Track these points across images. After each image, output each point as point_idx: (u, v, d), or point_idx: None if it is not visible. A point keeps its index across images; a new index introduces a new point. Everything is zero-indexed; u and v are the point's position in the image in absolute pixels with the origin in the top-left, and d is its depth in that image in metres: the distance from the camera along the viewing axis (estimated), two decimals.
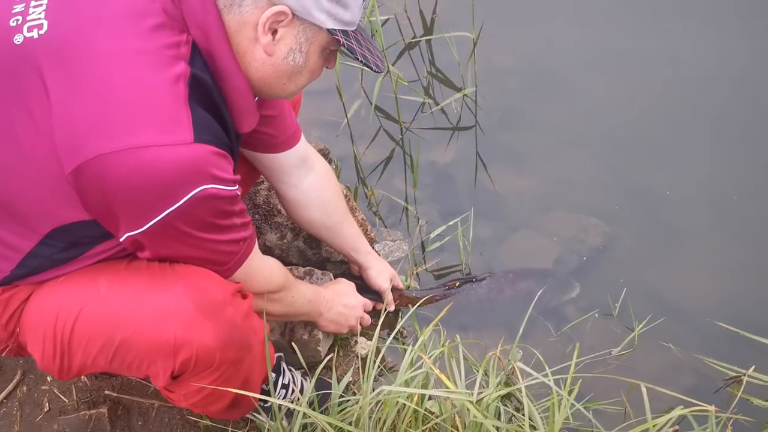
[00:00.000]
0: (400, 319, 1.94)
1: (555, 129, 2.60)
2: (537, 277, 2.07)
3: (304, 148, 1.67)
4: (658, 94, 2.63)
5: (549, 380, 1.32)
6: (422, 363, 1.28)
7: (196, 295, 1.18)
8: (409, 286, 2.08)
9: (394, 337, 1.91)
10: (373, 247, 2.11)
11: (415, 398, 1.24)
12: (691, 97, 2.64)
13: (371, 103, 2.55)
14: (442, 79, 2.74)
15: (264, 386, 1.63)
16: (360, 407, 1.26)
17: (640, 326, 1.96)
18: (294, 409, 1.45)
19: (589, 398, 1.78)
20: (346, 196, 1.99)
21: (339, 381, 1.58)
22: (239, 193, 1.21)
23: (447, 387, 1.25)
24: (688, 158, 2.45)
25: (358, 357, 1.87)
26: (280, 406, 1.59)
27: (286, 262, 1.93)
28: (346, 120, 2.55)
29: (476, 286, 2.05)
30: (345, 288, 1.80)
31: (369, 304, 1.84)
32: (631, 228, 2.30)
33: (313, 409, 1.38)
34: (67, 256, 1.22)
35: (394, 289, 1.98)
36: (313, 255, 1.98)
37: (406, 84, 2.56)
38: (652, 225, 2.32)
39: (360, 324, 1.85)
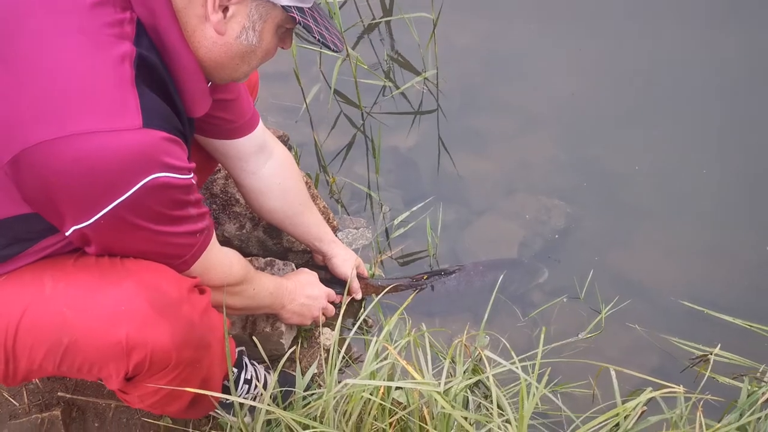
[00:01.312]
0: (363, 309, 1.90)
1: (517, 110, 2.57)
2: (506, 267, 2.04)
3: (262, 134, 1.61)
4: (621, 74, 2.62)
5: (516, 367, 1.29)
6: (388, 353, 1.23)
7: (150, 292, 1.11)
8: (374, 275, 2.03)
9: (358, 327, 1.88)
10: (336, 236, 2.06)
11: (381, 390, 1.20)
12: (656, 75, 2.63)
13: (330, 88, 2.48)
14: (402, 62, 2.69)
15: (225, 382, 1.58)
16: (324, 401, 1.21)
17: (607, 309, 1.95)
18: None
19: (558, 382, 1.76)
20: (306, 183, 1.93)
21: (303, 374, 1.53)
22: (194, 182, 1.14)
23: (414, 378, 1.21)
24: (652, 137, 2.45)
25: (322, 348, 1.81)
26: (242, 403, 1.53)
27: (245, 254, 1.86)
28: (305, 105, 2.48)
29: (446, 278, 2.01)
30: (307, 278, 1.74)
31: (333, 294, 1.79)
32: (594, 209, 2.29)
33: (277, 405, 1.33)
34: (8, 253, 1.14)
35: (360, 278, 1.93)
36: (274, 245, 1.91)
37: (366, 68, 2.51)
38: (615, 205, 2.31)
39: (324, 314, 1.80)
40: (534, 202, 2.31)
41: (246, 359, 1.65)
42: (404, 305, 1.37)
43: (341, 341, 1.76)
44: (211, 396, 1.27)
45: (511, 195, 2.35)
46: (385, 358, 1.23)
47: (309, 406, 1.29)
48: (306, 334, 1.88)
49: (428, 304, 2.01)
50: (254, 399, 1.62)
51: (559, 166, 2.42)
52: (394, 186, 2.37)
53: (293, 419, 1.19)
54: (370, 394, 1.19)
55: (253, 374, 1.64)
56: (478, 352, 1.48)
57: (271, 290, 1.58)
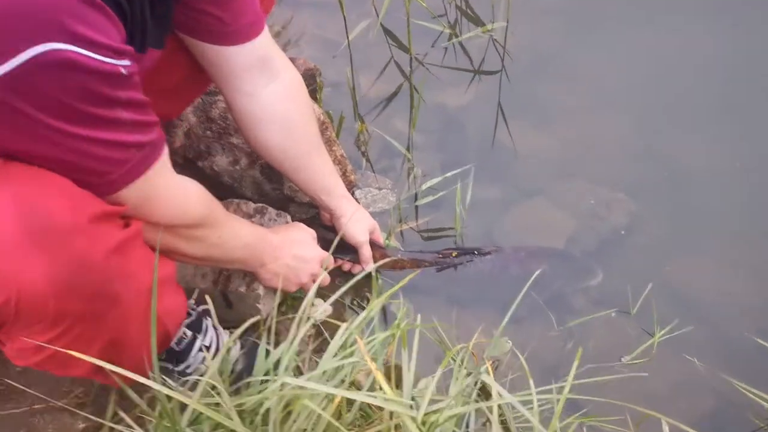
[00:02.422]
0: (376, 281, 1.58)
1: (591, 85, 2.18)
2: (553, 259, 1.69)
3: (266, 47, 1.29)
4: (718, 64, 2.20)
5: (532, 396, 0.95)
6: (355, 349, 0.92)
7: (26, 209, 0.82)
8: (388, 246, 1.71)
9: (356, 306, 1.57)
10: (352, 193, 1.74)
11: (336, 401, 0.88)
12: (745, 70, 2.20)
13: (378, 20, 2.14)
14: (467, 10, 2.32)
15: (175, 345, 1.30)
16: (258, 401, 0.91)
17: (662, 332, 1.59)
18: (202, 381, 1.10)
19: (586, 413, 1.42)
20: (323, 123, 1.61)
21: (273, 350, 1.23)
22: (127, 73, 0.83)
23: (384, 391, 0.89)
24: (737, 136, 2.04)
25: (305, 322, 1.51)
26: (179, 376, 1.25)
27: (237, 195, 1.57)
28: (347, 40, 2.15)
29: (478, 260, 1.68)
30: (300, 235, 1.43)
31: (330, 259, 1.47)
32: (664, 210, 1.90)
33: (216, 391, 1.02)
34: None
35: (374, 246, 1.62)
36: (272, 190, 1.61)
37: (425, 5, 2.15)
38: (686, 208, 1.91)
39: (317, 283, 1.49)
40: (594, 192, 1.94)
41: (210, 322, 1.36)
42: (402, 283, 1.04)
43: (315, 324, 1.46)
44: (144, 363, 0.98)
45: (568, 180, 1.98)
46: (352, 355, 0.92)
47: (242, 403, 0.98)
48: (294, 302, 1.58)
49: (451, 287, 1.68)
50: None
51: (630, 156, 2.03)
52: (435, 148, 2.03)
53: (212, 413, 0.88)
54: (322, 404, 0.87)
55: (214, 341, 1.35)
56: (488, 363, 1.14)
57: (248, 242, 1.28)
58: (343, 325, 0.94)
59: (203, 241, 1.16)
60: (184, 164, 1.56)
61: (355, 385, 0.94)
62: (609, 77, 2.18)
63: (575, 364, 1.04)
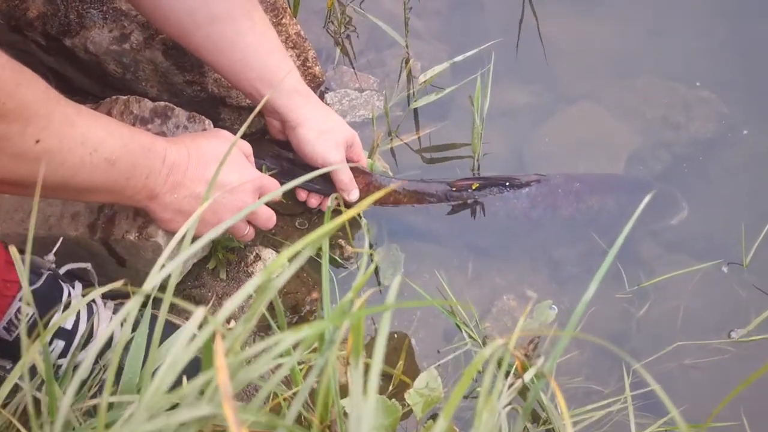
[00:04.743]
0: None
1: None
2: (620, 190, 1.15)
3: None
4: None
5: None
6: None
7: None
8: (373, 169, 1.16)
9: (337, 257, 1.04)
10: (320, 96, 1.19)
11: None
12: None
13: None
14: None
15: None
16: None
17: None
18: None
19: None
20: None
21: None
22: None
23: None
24: None
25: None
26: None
27: (132, 91, 1.01)
28: None
29: (511, 194, 1.12)
30: (220, 147, 0.87)
31: (272, 185, 0.92)
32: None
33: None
34: None
35: (355, 170, 1.08)
36: (187, 84, 1.04)
37: None
38: None
39: (257, 226, 0.96)
40: (665, 90, 1.38)
41: (74, 289, 0.83)
42: (359, 207, 0.48)
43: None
44: None
45: (626, 77, 1.41)
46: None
47: None
48: (227, 254, 1.04)
49: (471, 234, 1.14)
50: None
51: (715, 44, 1.45)
52: (439, 36, 1.46)
53: None
54: None
55: (83, 321, 0.82)
56: (536, 370, 0.62)
57: (114, 155, 0.73)
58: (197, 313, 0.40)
59: (5, 148, 0.61)
60: (46, 44, 1.00)
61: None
62: None
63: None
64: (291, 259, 0.43)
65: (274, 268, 0.42)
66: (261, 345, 0.39)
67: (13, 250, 0.62)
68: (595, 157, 1.32)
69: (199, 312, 0.40)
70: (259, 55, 0.93)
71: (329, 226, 0.43)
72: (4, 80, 0.60)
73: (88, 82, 1.07)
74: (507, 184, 1.13)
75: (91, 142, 0.70)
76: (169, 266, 0.45)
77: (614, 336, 1.08)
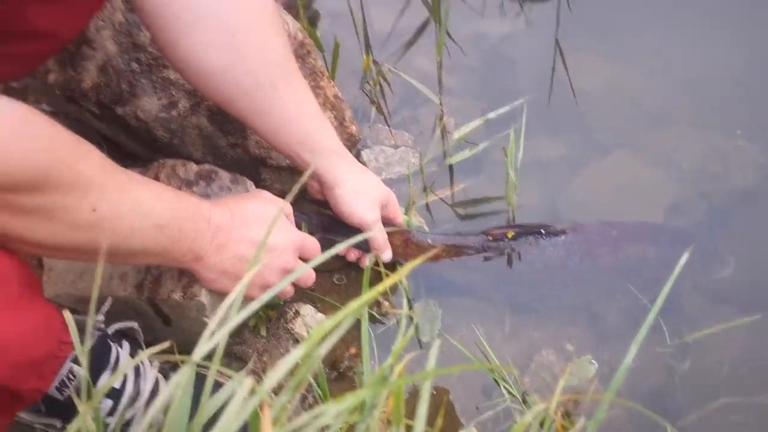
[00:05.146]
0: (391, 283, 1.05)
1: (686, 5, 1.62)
2: (662, 239, 1.15)
3: None
4: None
5: None
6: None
7: None
8: (410, 225, 1.18)
9: (377, 313, 1.06)
10: (356, 154, 1.22)
11: None
12: None
13: None
14: None
15: (55, 391, 0.81)
16: None
17: None
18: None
19: None
20: (301, 43, 1.09)
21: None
22: None
23: None
24: None
25: (291, 343, 1.01)
26: None
27: (178, 155, 1.06)
28: None
29: (547, 243, 1.13)
30: (262, 208, 0.90)
31: (311, 245, 0.95)
32: None
33: None
34: None
35: (389, 226, 1.10)
36: (230, 147, 1.09)
37: None
38: None
39: (297, 284, 0.98)
40: (700, 139, 1.38)
41: (122, 349, 0.86)
42: (405, 270, 0.50)
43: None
44: None
45: (661, 126, 1.42)
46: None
47: None
48: (267, 311, 1.06)
49: (507, 283, 1.15)
50: None
51: (753, 92, 1.46)
52: (472, 92, 1.49)
53: None
54: None
55: (130, 382, 0.85)
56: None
57: (161, 220, 0.76)
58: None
59: (56, 218, 0.65)
60: (100, 113, 1.05)
61: None
62: None
63: None
64: (333, 328, 0.45)
65: (317, 336, 0.44)
66: (305, 417, 0.40)
67: (67, 314, 0.65)
68: (632, 207, 1.32)
69: (246, 383, 0.42)
70: (299, 120, 0.97)
71: (369, 294, 0.45)
72: (65, 154, 0.64)
73: (136, 146, 1.12)
74: (542, 231, 1.14)
75: (142, 208, 0.73)
76: (218, 335, 0.47)
77: (656, 391, 1.07)
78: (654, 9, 1.62)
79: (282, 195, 1.03)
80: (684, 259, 0.58)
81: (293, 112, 0.96)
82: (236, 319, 0.51)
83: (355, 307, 0.44)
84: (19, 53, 0.92)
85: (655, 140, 1.40)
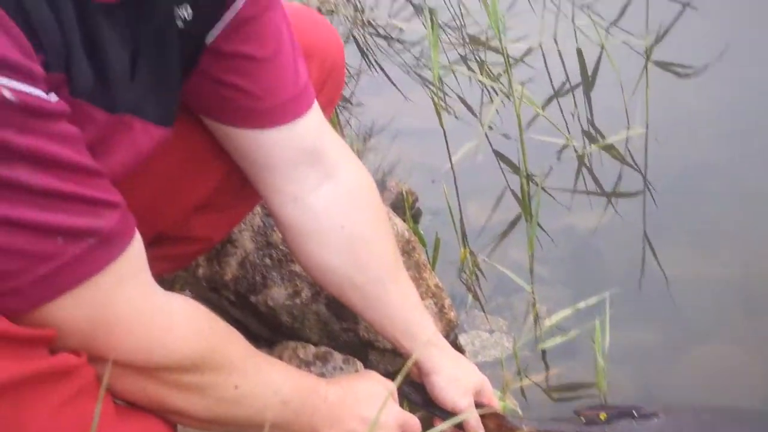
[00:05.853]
0: None
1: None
2: (758, 426, 1.17)
3: (315, 134, 0.98)
4: None
5: None
6: None
7: None
8: (506, 409, 1.25)
9: None
10: (453, 339, 1.34)
11: None
12: None
13: (482, 128, 1.82)
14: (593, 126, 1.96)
15: None
16: None
17: None
18: None
19: None
20: (408, 242, 1.26)
21: None
22: (59, 110, 0.55)
23: None
24: None
25: None
26: None
27: (298, 338, 1.21)
28: (449, 163, 1.83)
29: (640, 426, 1.17)
30: (371, 388, 1.02)
31: (414, 423, 1.04)
32: None
33: None
34: None
35: (484, 411, 1.17)
36: (343, 331, 1.24)
37: (540, 110, 1.82)
38: None
39: None
40: None
41: None
42: None
43: None
44: None
45: (751, 316, 1.46)
46: None
47: None
48: None
49: None
50: None
51: None
52: (562, 281, 1.60)
53: None
54: None
55: None
56: None
57: (288, 397, 0.89)
58: None
59: (207, 394, 0.79)
60: (236, 300, 1.24)
61: None
62: None
63: None
64: None
65: None
66: None
67: None
68: (727, 393, 1.34)
69: None
70: (402, 312, 1.11)
71: None
72: (218, 340, 0.80)
73: (261, 329, 1.29)
74: (634, 413, 1.17)
75: (273, 386, 0.87)
76: None
77: None
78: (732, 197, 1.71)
79: (387, 375, 1.15)
80: None
81: (396, 305, 1.10)
82: None
83: None
84: (179, 254, 1.13)
85: (750, 330, 1.44)
